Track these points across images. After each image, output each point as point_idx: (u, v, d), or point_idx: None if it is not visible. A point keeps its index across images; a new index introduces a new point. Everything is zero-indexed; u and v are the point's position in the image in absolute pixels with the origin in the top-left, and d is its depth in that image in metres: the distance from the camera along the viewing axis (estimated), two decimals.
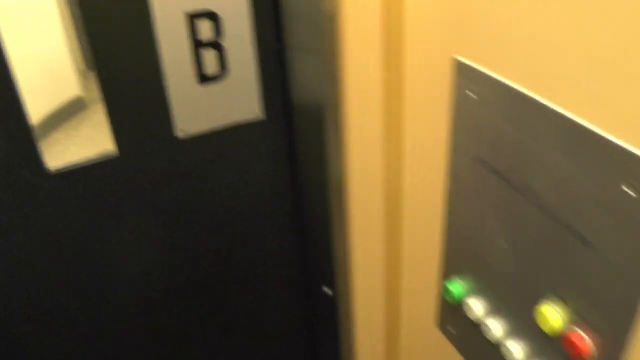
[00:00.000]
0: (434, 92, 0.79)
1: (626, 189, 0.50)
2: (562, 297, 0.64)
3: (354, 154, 0.94)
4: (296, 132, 1.03)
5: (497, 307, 0.79)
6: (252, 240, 1.13)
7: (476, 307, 0.82)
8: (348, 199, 1.01)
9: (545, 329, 0.67)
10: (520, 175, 0.64)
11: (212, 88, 0.94)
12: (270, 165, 1.07)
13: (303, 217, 1.15)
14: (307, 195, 1.09)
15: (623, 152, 0.50)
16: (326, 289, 1.12)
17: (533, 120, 0.61)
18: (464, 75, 0.71)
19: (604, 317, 0.59)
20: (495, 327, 0.79)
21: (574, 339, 0.63)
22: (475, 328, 0.84)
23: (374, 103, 0.88)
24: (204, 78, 0.93)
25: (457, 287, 0.85)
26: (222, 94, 0.95)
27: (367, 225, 1.02)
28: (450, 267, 0.87)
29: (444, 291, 0.87)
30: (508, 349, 0.77)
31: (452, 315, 0.92)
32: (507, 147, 0.65)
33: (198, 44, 0.90)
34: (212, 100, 0.95)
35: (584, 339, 0.63)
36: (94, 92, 0.89)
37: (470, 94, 0.70)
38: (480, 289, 0.81)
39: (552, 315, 0.66)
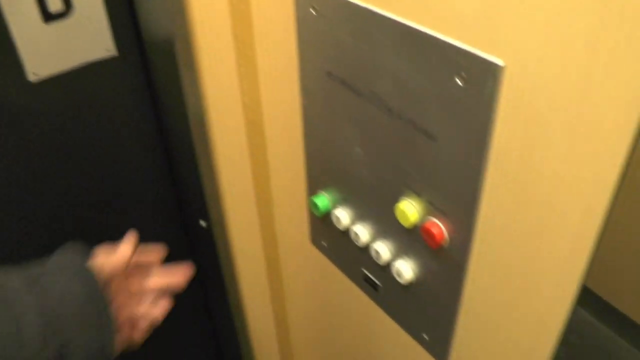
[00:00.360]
0: (279, 13, 0.80)
1: (457, 80, 0.55)
2: (416, 192, 0.69)
3: (209, 83, 0.94)
4: (152, 66, 1.01)
5: (362, 214, 0.83)
6: (121, 180, 1.11)
7: (342, 216, 0.86)
8: (210, 129, 1.01)
9: (405, 224, 0.72)
10: (365, 82, 0.68)
11: (59, 26, 0.89)
12: (131, 102, 1.04)
13: (170, 152, 1.14)
14: (170, 130, 1.08)
15: (452, 48, 0.54)
16: (202, 222, 1.14)
17: (370, 29, 0.64)
18: None
19: (453, 203, 0.65)
20: (362, 233, 0.84)
21: (429, 227, 0.69)
22: (344, 237, 0.89)
23: (223, 30, 0.88)
24: (48, 16, 0.88)
25: (322, 200, 0.89)
26: (72, 32, 0.91)
27: (232, 153, 1.03)
28: (315, 182, 0.91)
29: (312, 206, 0.91)
30: (376, 251, 0.82)
31: (322, 229, 0.97)
32: (351, 58, 0.68)
33: None
34: (62, 39, 0.91)
35: (439, 226, 0.68)
36: None
37: (312, 11, 0.72)
38: (345, 199, 0.85)
39: (409, 210, 0.71)
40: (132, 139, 1.09)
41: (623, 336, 1.08)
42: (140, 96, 1.05)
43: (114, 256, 0.80)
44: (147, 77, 1.03)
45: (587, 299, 1.09)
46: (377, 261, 0.83)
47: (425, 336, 0.86)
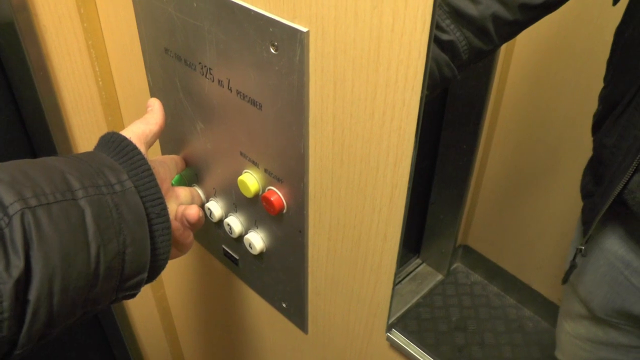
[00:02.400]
0: None
1: (271, 49, 0.58)
2: (254, 162, 0.72)
3: (59, 66, 0.93)
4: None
5: (214, 190, 0.85)
6: None
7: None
8: (66, 116, 1.00)
9: (248, 195, 0.74)
10: (195, 56, 0.69)
11: None
12: None
13: (31, 147, 1.11)
14: (28, 120, 1.05)
15: (263, 19, 0.57)
16: None
17: (192, 2, 0.65)
18: None
19: (286, 169, 0.68)
20: (215, 209, 0.85)
21: (268, 196, 0.71)
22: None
23: (68, 11, 0.88)
24: None
25: (176, 178, 0.89)
26: None
27: (90, 135, 1.03)
28: None
29: None
30: (229, 225, 0.84)
31: None
32: (181, 33, 0.70)
33: None
34: None
35: (276, 193, 0.71)
36: None
37: None
38: (197, 176, 0.86)
39: (250, 181, 0.73)
40: None
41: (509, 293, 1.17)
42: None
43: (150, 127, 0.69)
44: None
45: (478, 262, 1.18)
46: (231, 235, 0.85)
47: (284, 304, 0.89)
